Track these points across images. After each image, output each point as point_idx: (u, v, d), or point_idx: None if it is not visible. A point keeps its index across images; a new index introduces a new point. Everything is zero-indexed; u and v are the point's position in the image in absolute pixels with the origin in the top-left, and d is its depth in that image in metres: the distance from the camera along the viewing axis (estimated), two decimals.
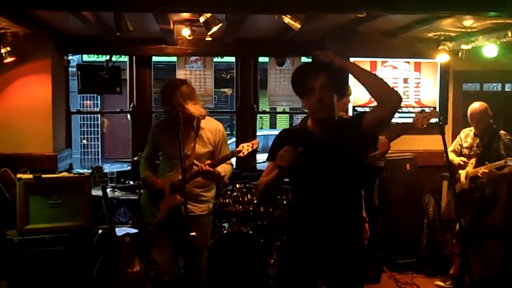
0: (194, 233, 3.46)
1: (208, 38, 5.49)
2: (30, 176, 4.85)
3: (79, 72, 6.11)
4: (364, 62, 6.15)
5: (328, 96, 2.70)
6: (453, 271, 5.15)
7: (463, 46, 5.66)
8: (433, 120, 4.53)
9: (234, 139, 8.35)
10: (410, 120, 6.11)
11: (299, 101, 6.86)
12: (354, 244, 2.84)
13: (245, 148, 3.80)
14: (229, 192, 5.22)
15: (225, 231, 4.99)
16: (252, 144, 3.82)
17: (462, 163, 5.11)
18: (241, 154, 3.80)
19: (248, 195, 5.18)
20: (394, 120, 6.03)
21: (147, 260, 4.24)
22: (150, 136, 4.09)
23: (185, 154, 3.72)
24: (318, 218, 2.78)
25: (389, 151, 4.58)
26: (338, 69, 2.75)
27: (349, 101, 5.00)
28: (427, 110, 4.52)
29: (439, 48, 5.93)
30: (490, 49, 5.33)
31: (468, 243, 4.88)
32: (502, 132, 5.08)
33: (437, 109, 6.28)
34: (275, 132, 9.86)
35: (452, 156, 5.17)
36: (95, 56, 7.69)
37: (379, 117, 2.66)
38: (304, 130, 2.86)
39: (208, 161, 3.78)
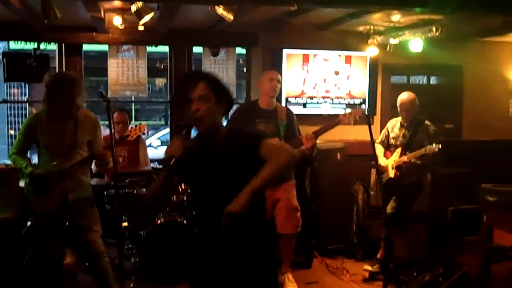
0: (125, 223, 3.51)
1: (141, 27, 5.42)
2: None
3: (4, 60, 5.88)
4: (297, 55, 6.28)
5: (207, 107, 2.53)
6: (380, 255, 5.35)
7: (391, 40, 5.89)
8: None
9: (168, 130, 8.31)
10: (341, 112, 6.36)
11: (234, 92, 6.92)
12: (256, 269, 2.64)
13: (133, 131, 4.37)
14: None
15: (159, 221, 4.97)
16: (139, 128, 4.40)
17: (383, 164, 5.28)
18: (130, 138, 4.32)
19: (182, 185, 5.18)
20: (320, 112, 6.26)
21: (42, 247, 4.28)
22: (28, 128, 4.12)
23: (66, 143, 3.99)
24: (210, 232, 2.64)
25: (319, 141, 4.70)
26: (217, 77, 2.65)
27: (276, 86, 4.95)
28: (352, 107, 4.57)
29: (369, 41, 6.14)
30: (415, 44, 5.56)
31: (395, 228, 5.09)
32: (427, 122, 5.29)
33: (367, 100, 6.51)
34: None
35: (378, 152, 5.33)
36: (23, 43, 7.42)
37: None
38: (197, 140, 2.71)
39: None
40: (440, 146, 4.99)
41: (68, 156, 4.01)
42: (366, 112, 4.44)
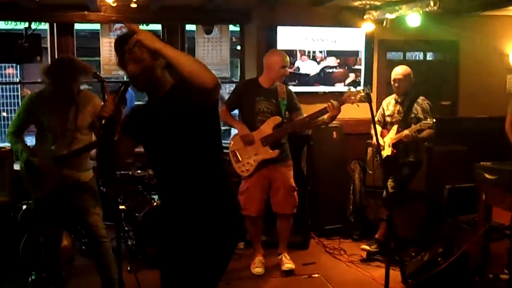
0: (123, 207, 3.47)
1: (133, 5, 5.32)
2: None
3: None
4: (291, 31, 6.17)
5: (138, 67, 2.46)
6: (379, 235, 5.34)
7: (388, 15, 5.76)
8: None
9: None
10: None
11: (228, 70, 6.83)
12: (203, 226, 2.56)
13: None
14: None
15: (154, 203, 4.94)
16: None
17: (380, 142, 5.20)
18: None
19: None
20: (315, 90, 6.18)
21: (40, 231, 4.29)
22: (27, 108, 4.04)
23: (67, 127, 3.92)
24: (165, 192, 2.71)
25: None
26: (151, 32, 2.48)
27: (287, 73, 4.96)
28: (359, 88, 4.58)
29: (365, 17, 6.03)
30: (413, 19, 5.45)
31: (393, 208, 5.06)
32: (420, 97, 5.22)
33: (362, 77, 6.43)
34: None
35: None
36: (13, 23, 7.29)
37: (197, 91, 2.32)
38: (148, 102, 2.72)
39: None
40: (434, 120, 4.96)
41: (68, 140, 3.96)
42: (366, 90, 4.31)
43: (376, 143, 5.07)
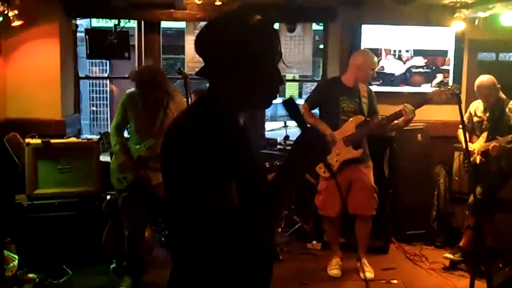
0: None
1: (218, 3, 5.37)
2: (39, 141, 4.85)
3: (87, 37, 6.02)
4: (376, 30, 6.03)
5: None
6: (463, 244, 5.08)
7: (480, 14, 5.50)
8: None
9: None
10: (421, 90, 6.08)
11: (310, 68, 6.75)
12: None
13: None
14: None
15: None
16: None
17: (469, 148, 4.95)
18: None
19: None
20: (400, 90, 5.99)
21: (124, 222, 4.36)
22: (121, 106, 4.17)
23: (154, 131, 4.00)
24: None
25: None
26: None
27: (375, 76, 4.89)
28: (445, 83, 4.43)
29: (455, 15, 5.77)
30: (507, 17, 5.18)
31: (480, 216, 4.81)
32: (510, 103, 4.95)
33: (451, 79, 6.17)
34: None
35: (463, 137, 5.06)
36: (104, 21, 7.59)
37: None
38: None
39: None
40: None
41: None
42: (456, 91, 4.12)
43: (465, 147, 4.89)
